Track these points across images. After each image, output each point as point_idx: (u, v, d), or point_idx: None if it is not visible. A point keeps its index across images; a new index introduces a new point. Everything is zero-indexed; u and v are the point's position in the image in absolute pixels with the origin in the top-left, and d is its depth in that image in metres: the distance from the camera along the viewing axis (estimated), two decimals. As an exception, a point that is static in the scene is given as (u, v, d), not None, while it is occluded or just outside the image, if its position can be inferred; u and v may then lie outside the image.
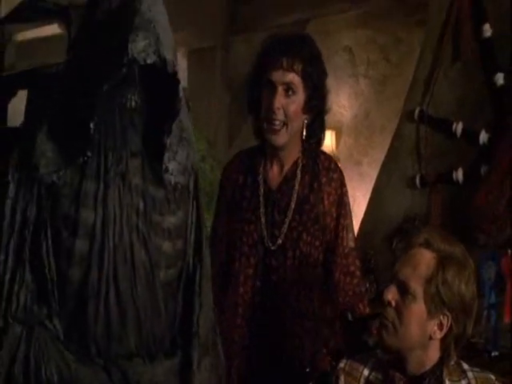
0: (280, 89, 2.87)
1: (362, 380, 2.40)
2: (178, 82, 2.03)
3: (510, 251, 3.52)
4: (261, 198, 2.97)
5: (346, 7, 5.34)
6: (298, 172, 2.99)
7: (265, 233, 2.94)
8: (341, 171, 3.05)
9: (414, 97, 4.13)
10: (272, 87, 2.88)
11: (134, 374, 2.07)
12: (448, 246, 2.33)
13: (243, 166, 3.05)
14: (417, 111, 4.03)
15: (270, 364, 2.89)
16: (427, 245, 2.32)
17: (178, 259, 2.18)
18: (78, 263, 2.02)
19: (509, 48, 3.76)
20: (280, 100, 2.87)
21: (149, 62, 1.96)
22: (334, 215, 2.98)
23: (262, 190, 2.98)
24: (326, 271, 2.98)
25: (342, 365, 2.44)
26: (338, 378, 2.43)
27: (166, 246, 2.14)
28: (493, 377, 2.39)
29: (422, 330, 2.29)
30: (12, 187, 2.04)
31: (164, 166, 2.11)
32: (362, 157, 5.36)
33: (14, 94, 4.32)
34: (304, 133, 2.96)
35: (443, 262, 2.29)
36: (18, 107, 4.69)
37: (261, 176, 3.00)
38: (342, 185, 3.03)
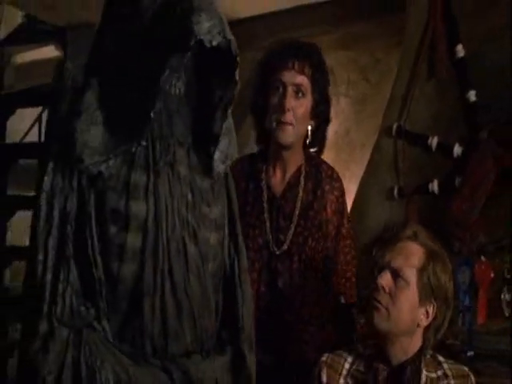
0: (290, 89, 2.90)
1: (344, 372, 2.52)
2: (237, 65, 1.92)
3: (482, 257, 3.63)
4: (265, 204, 2.96)
5: (329, 29, 5.43)
6: (302, 179, 3.00)
7: (270, 237, 2.93)
8: (342, 181, 3.09)
9: (392, 113, 4.21)
10: (282, 88, 2.90)
11: (196, 371, 1.94)
12: (432, 243, 2.49)
13: (244, 171, 3.03)
14: (394, 127, 4.12)
15: (274, 369, 2.85)
16: (415, 238, 2.47)
17: (220, 251, 2.08)
18: (131, 259, 1.87)
19: (481, 67, 3.89)
20: (290, 101, 2.89)
21: (214, 43, 1.83)
22: (336, 224, 3.01)
23: (265, 196, 2.97)
24: (324, 276, 3.00)
25: (324, 358, 2.56)
26: (320, 370, 2.54)
27: (213, 237, 2.03)
28: (466, 368, 2.55)
29: (413, 316, 2.43)
30: (47, 180, 1.87)
31: (212, 155, 2.00)
32: (344, 171, 5.38)
33: (12, 112, 4.48)
34: (309, 138, 3.00)
35: (432, 256, 2.45)
36: (16, 125, 4.86)
37: (264, 182, 2.99)
38: (343, 194, 3.07)
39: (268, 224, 2.95)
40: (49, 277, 1.83)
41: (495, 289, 3.59)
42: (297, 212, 2.96)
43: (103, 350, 1.84)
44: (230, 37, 1.85)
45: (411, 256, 2.46)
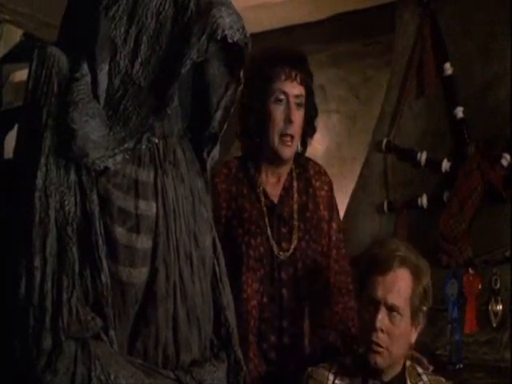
0: (293, 101, 2.83)
1: None
2: (242, 65, 1.86)
3: (470, 270, 3.66)
4: (264, 211, 2.88)
5: (319, 49, 5.53)
6: (295, 181, 2.95)
7: (273, 245, 2.84)
8: (329, 175, 3.07)
9: (382, 129, 4.27)
10: (286, 99, 2.84)
11: (212, 381, 1.85)
12: (415, 258, 2.53)
13: (234, 175, 2.93)
14: (384, 142, 4.17)
15: (276, 381, 2.79)
16: (401, 263, 2.48)
17: (211, 253, 1.97)
18: (141, 263, 1.74)
19: (468, 84, 3.98)
20: (295, 113, 2.84)
21: (235, 39, 1.75)
22: (327, 218, 2.97)
23: (263, 203, 2.89)
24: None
25: (308, 372, 2.57)
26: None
27: (208, 240, 1.93)
28: (444, 380, 2.61)
29: (409, 341, 2.50)
30: (39, 176, 1.67)
31: (207, 155, 1.93)
32: (334, 185, 5.45)
33: (10, 127, 4.49)
34: (300, 148, 2.94)
35: (417, 274, 2.49)
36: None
37: (261, 188, 2.91)
38: (332, 188, 3.05)
39: (270, 232, 2.86)
40: (49, 285, 1.65)
41: (483, 300, 3.63)
42: (295, 216, 2.91)
43: (114, 362, 1.68)
44: (248, 35, 1.79)
45: (402, 287, 2.49)
